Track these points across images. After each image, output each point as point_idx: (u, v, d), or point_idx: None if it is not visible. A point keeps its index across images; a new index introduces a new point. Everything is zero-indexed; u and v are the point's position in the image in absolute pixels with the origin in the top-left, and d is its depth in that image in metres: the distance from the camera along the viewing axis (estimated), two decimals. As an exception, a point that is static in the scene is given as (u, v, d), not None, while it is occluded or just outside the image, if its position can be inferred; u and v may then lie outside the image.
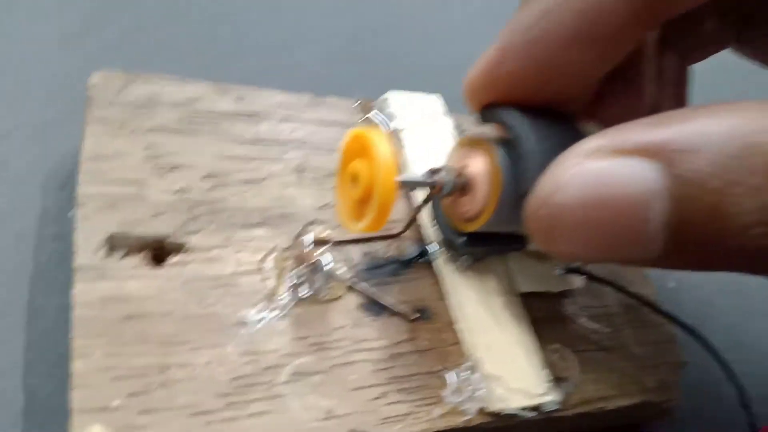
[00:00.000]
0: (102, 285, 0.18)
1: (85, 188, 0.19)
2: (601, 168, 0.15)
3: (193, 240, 0.20)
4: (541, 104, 0.20)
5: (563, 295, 0.25)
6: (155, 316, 0.18)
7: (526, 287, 0.24)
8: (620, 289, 0.24)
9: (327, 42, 0.36)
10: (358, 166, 0.19)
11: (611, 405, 0.23)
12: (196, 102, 0.23)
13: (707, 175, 0.14)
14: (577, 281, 0.25)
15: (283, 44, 0.34)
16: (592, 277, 0.24)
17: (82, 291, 0.18)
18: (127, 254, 0.19)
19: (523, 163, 0.19)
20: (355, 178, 0.19)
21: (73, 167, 0.25)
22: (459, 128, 0.27)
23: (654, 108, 0.23)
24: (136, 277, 0.18)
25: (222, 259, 0.20)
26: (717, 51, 0.24)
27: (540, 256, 0.24)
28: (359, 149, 0.19)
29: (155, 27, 0.31)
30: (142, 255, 0.19)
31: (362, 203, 0.19)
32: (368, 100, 0.27)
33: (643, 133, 0.15)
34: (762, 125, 0.14)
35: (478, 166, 0.21)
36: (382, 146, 0.18)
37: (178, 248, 0.20)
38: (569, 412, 0.22)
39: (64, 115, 0.26)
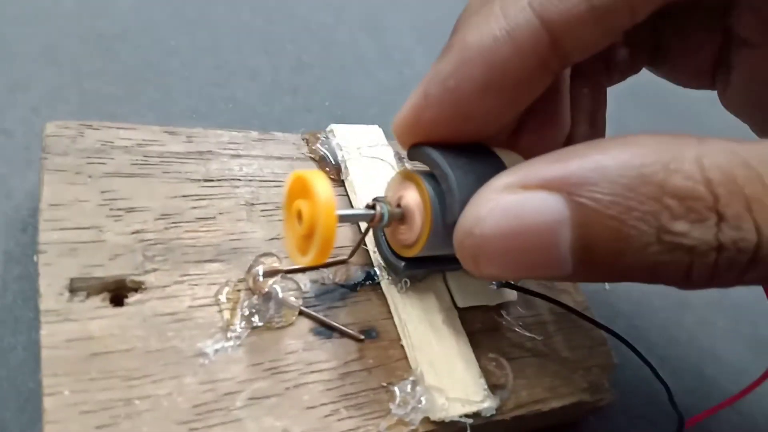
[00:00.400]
0: (67, 327, 0.19)
1: (45, 236, 0.21)
2: (512, 202, 0.18)
3: (151, 278, 0.21)
4: (462, 141, 0.22)
5: (499, 307, 0.27)
6: (118, 353, 0.19)
7: (465, 303, 0.26)
8: (550, 300, 0.27)
9: (263, 77, 0.38)
10: (301, 205, 0.21)
11: (545, 407, 0.25)
12: (148, 145, 0.25)
13: (607, 203, 0.16)
14: (511, 294, 0.27)
15: (218, 82, 0.36)
16: (523, 291, 0.26)
17: (49, 333, 0.19)
18: (88, 296, 0.20)
19: (447, 197, 0.21)
20: (299, 216, 0.21)
21: (32, 209, 0.26)
22: (398, 155, 0.29)
23: (570, 135, 0.26)
24: (99, 317, 0.20)
25: (178, 295, 0.21)
26: (633, 73, 0.27)
27: (476, 273, 0.26)
28: (301, 190, 0.21)
29: (95, 74, 0.32)
30: (102, 296, 0.21)
31: (307, 238, 0.21)
32: (312, 132, 0.29)
33: (547, 169, 0.17)
34: (650, 159, 0.16)
35: (411, 198, 0.23)
36: (321, 186, 0.20)
37: (136, 287, 0.21)
38: (506, 416, 0.24)
39: (17, 160, 0.27)
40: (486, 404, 0.23)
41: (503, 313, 0.27)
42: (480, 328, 0.26)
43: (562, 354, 0.27)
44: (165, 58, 0.35)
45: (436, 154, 0.22)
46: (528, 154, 0.24)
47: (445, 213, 0.21)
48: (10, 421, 0.21)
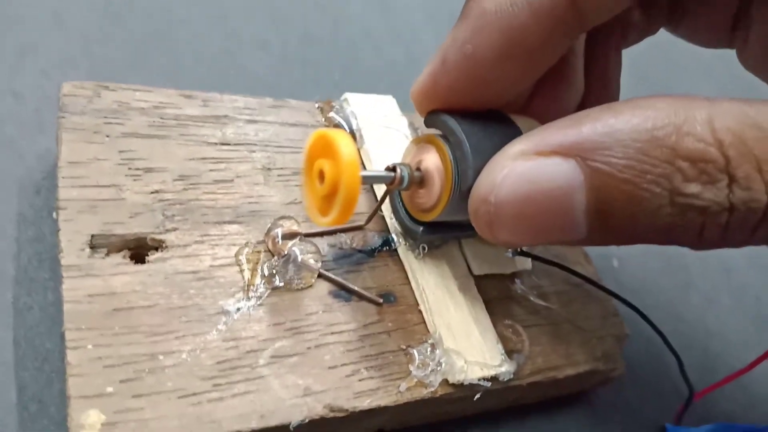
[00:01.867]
0: (89, 282, 0.19)
1: (65, 193, 0.20)
2: (527, 168, 0.18)
3: (171, 237, 0.21)
4: (479, 108, 0.22)
5: (514, 276, 0.27)
6: (141, 309, 0.19)
7: (480, 270, 0.26)
8: (565, 268, 0.27)
9: (273, 48, 0.37)
10: (323, 164, 0.20)
11: (561, 374, 0.25)
12: (164, 108, 0.24)
13: (621, 167, 0.16)
14: (526, 263, 0.27)
15: (228, 51, 0.36)
16: (539, 259, 0.26)
17: (71, 288, 0.19)
18: (108, 253, 0.20)
19: (461, 164, 0.21)
20: (320, 176, 0.21)
21: (44, 172, 0.26)
22: (412, 126, 0.29)
23: (584, 99, 0.25)
24: (120, 273, 0.20)
25: (199, 255, 0.21)
26: (651, 34, 0.26)
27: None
28: (323, 149, 0.21)
29: (103, 39, 0.32)
30: (122, 253, 0.20)
31: (328, 199, 0.21)
32: (327, 101, 0.29)
33: (561, 135, 0.17)
34: (662, 122, 0.16)
35: (431, 161, 0.23)
36: (345, 146, 0.20)
37: (157, 245, 0.21)
38: (523, 381, 0.24)
39: (28, 123, 0.27)
40: (504, 368, 0.23)
41: (518, 281, 0.27)
42: (496, 296, 0.26)
43: (576, 323, 0.27)
44: (174, 27, 0.35)
45: (451, 121, 0.22)
46: (541, 118, 0.24)
47: (460, 179, 0.21)
48: (29, 380, 0.21)
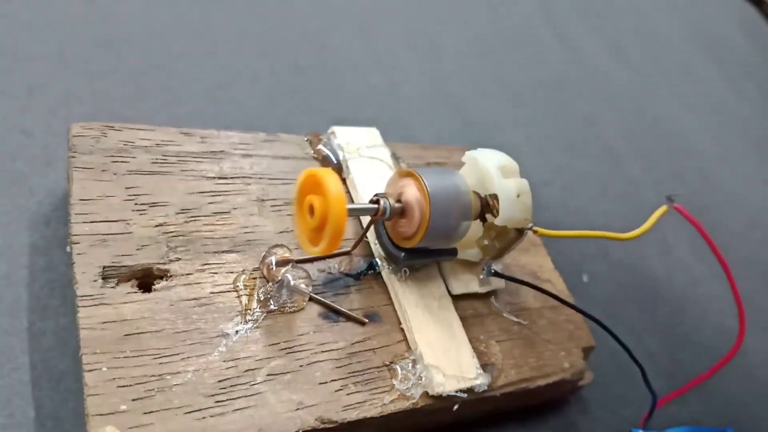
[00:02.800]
0: (102, 310, 0.21)
1: (78, 228, 0.23)
2: None
3: (175, 267, 0.23)
4: None
5: (488, 295, 0.29)
6: (149, 334, 0.21)
7: (458, 290, 0.28)
8: (535, 287, 0.29)
9: (263, 80, 0.40)
10: (313, 200, 0.23)
11: (532, 385, 0.28)
12: (166, 145, 0.27)
13: None
14: (500, 283, 0.29)
15: (222, 84, 0.38)
16: (511, 279, 0.29)
17: (86, 316, 0.21)
18: (119, 283, 0.22)
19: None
20: (311, 211, 0.23)
21: (53, 205, 0.28)
22: (395, 156, 0.32)
23: None
24: (130, 302, 0.22)
25: (200, 282, 0.23)
26: None
27: (468, 264, 0.29)
28: (313, 186, 0.23)
29: (105, 75, 0.34)
30: (131, 283, 0.23)
31: (318, 231, 0.23)
32: (315, 134, 0.31)
33: None
34: None
35: (411, 193, 0.25)
36: (332, 184, 0.22)
37: (162, 275, 0.23)
38: (497, 392, 0.26)
39: (38, 159, 0.29)
40: (479, 381, 0.25)
41: (492, 299, 0.29)
42: (472, 314, 0.28)
43: (545, 337, 0.30)
44: (171, 61, 0.37)
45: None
46: None
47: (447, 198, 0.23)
48: (45, 399, 0.23)
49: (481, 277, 0.29)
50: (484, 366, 0.26)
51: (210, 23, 0.41)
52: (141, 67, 0.36)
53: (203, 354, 0.22)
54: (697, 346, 0.42)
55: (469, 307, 0.28)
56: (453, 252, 0.27)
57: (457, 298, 0.28)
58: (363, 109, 0.42)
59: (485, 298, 0.29)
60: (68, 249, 0.22)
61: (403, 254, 0.26)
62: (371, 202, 0.25)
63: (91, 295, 0.21)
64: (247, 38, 0.42)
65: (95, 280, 0.22)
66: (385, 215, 0.25)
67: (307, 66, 0.43)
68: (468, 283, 0.28)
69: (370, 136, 0.32)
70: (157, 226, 0.24)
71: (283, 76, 0.41)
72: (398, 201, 0.25)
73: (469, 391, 0.25)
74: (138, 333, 0.21)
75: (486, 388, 0.26)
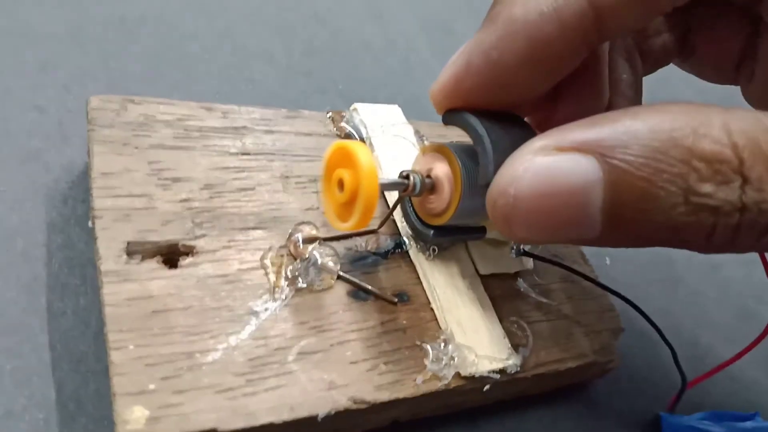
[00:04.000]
0: (127, 286, 0.20)
1: (100, 202, 0.22)
2: (547, 163, 0.18)
3: (201, 243, 0.23)
4: (496, 108, 0.23)
5: (517, 275, 0.29)
6: (177, 311, 0.21)
7: (486, 270, 0.27)
8: (564, 267, 0.28)
9: (278, 60, 0.39)
10: (342, 174, 0.22)
11: (562, 366, 0.27)
12: (187, 120, 0.26)
13: (637, 164, 0.17)
14: (528, 263, 0.29)
15: (236, 64, 0.37)
16: (540, 258, 0.28)
17: (111, 293, 0.20)
18: (143, 259, 0.21)
19: (482, 158, 0.22)
20: (340, 185, 0.22)
21: (70, 182, 0.27)
22: (418, 134, 0.31)
23: (608, 109, 0.27)
24: (156, 278, 0.21)
25: (227, 259, 0.23)
26: (664, 65, 0.28)
27: (496, 243, 0.28)
28: (342, 159, 0.22)
29: (119, 54, 0.33)
30: (156, 259, 0.22)
31: (348, 206, 0.22)
32: (338, 111, 0.30)
33: (581, 132, 0.18)
34: (680, 124, 0.17)
35: (441, 170, 0.24)
36: (364, 156, 0.21)
37: (188, 251, 0.22)
38: (528, 374, 0.26)
39: (53, 136, 0.28)
40: (511, 361, 0.25)
41: (521, 280, 0.29)
42: (500, 294, 0.27)
43: (575, 318, 0.29)
44: (184, 41, 0.36)
45: (472, 119, 0.23)
46: (567, 122, 0.26)
47: (479, 174, 0.22)
48: (66, 380, 0.22)
49: (511, 256, 0.28)
50: (515, 346, 0.26)
51: (223, 3, 0.40)
52: (155, 46, 0.35)
53: (233, 332, 0.21)
54: (718, 329, 0.41)
55: (497, 287, 0.28)
56: (482, 230, 0.26)
57: (485, 278, 0.27)
58: (379, 90, 0.41)
59: (513, 279, 0.29)
60: (90, 224, 0.22)
61: (432, 232, 0.25)
62: (400, 176, 0.24)
63: (116, 271, 0.21)
64: (260, 19, 0.41)
65: (120, 256, 0.21)
66: (414, 191, 0.24)
67: (322, 47, 0.42)
68: (496, 263, 0.28)
69: (393, 113, 0.31)
70: (181, 201, 0.23)
71: (298, 57, 0.40)
72: (428, 176, 0.24)
73: (502, 372, 0.24)
74: (165, 310, 0.21)
75: (518, 368, 0.25)
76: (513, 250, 0.28)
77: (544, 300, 0.29)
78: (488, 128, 0.23)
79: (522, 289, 0.28)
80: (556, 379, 0.28)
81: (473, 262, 0.27)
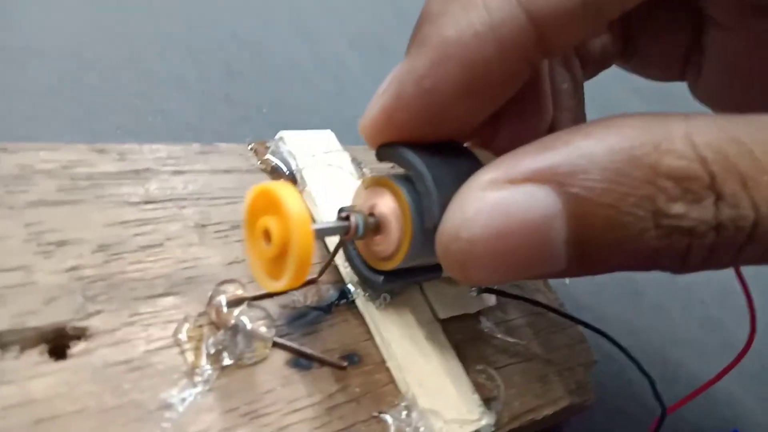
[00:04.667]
0: (2, 391, 0.16)
1: (-39, 283, 0.17)
2: (499, 199, 0.16)
3: (95, 322, 0.18)
4: (434, 140, 0.20)
5: (479, 313, 0.25)
6: (68, 416, 0.16)
7: (446, 313, 0.24)
8: (531, 302, 0.25)
9: (192, 86, 0.35)
10: (268, 222, 0.18)
11: (539, 415, 0.24)
12: (74, 167, 0.21)
13: (600, 191, 0.15)
14: (490, 299, 0.25)
15: (143, 94, 0.33)
16: (504, 294, 0.25)
17: (-23, 403, 0.15)
18: (23, 350, 0.17)
19: (425, 200, 0.19)
20: (266, 236, 0.18)
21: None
22: (355, 161, 0.27)
23: (552, 127, 0.24)
24: (39, 375, 0.16)
25: (131, 339, 0.18)
26: (605, 68, 0.26)
27: (452, 281, 0.25)
28: (266, 205, 0.18)
29: (1, 92, 0.28)
30: (39, 349, 0.17)
31: (278, 261, 0.18)
32: (261, 142, 0.26)
33: (532, 161, 0.16)
34: (639, 140, 0.15)
35: (386, 205, 0.21)
36: (291, 199, 0.17)
37: (79, 334, 0.18)
38: (504, 430, 0.22)
39: None
40: (484, 421, 0.21)
41: (483, 319, 0.25)
42: (462, 339, 0.24)
43: (546, 356, 0.26)
44: (81, 71, 0.31)
45: (410, 154, 0.20)
46: (510, 145, 0.23)
47: (424, 217, 0.19)
48: None
49: (471, 294, 0.25)
50: (486, 401, 0.22)
51: (126, 26, 0.36)
52: (45, 79, 0.30)
53: (142, 435, 0.17)
54: (685, 344, 0.39)
55: (458, 331, 0.24)
56: (438, 269, 0.23)
57: (444, 322, 0.24)
58: (309, 115, 0.38)
59: (474, 318, 0.25)
60: (-51, 313, 0.17)
61: (382, 278, 0.22)
62: (339, 218, 0.20)
63: (-16, 373, 0.16)
64: (170, 41, 0.36)
65: (-12, 352, 0.16)
66: (358, 233, 0.20)
67: (241, 70, 0.38)
68: (456, 304, 0.24)
69: (326, 139, 0.27)
70: (68, 270, 0.19)
71: (215, 82, 0.36)
72: (371, 215, 0.21)
73: (475, 435, 0.21)
74: (53, 416, 0.16)
75: (493, 429, 0.21)
76: (473, 288, 0.24)
77: (511, 339, 0.25)
78: (428, 163, 0.19)
79: (486, 330, 0.25)
80: (531, 429, 0.24)
81: (430, 306, 0.24)
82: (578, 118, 0.26)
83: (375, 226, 0.21)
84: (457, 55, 0.18)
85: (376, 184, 0.21)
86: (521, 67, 0.19)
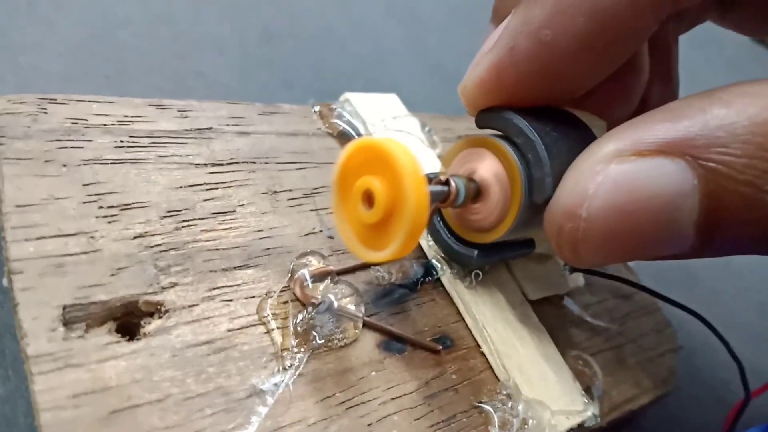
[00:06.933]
0: (70, 375, 0.13)
1: (17, 249, 0.15)
2: (625, 172, 0.14)
3: (171, 297, 0.16)
4: (542, 104, 0.18)
5: (561, 296, 0.23)
6: (148, 405, 0.14)
7: (536, 294, 0.22)
8: (625, 281, 0.23)
9: (230, 50, 0.32)
10: (370, 183, 0.16)
11: (635, 405, 0.22)
12: (133, 123, 0.19)
13: (740, 166, 0.13)
14: (579, 279, 0.23)
15: (179, 54, 0.30)
16: (596, 274, 0.23)
17: (46, 388, 0.13)
18: (88, 329, 0.14)
19: (536, 170, 0.17)
20: (368, 199, 0.16)
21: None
22: (424, 127, 0.25)
23: (645, 90, 0.22)
24: (111, 357, 0.14)
25: (212, 316, 0.16)
26: (699, 22, 0.23)
27: (539, 258, 0.22)
28: (369, 163, 0.16)
29: (31, 48, 0.26)
30: (107, 327, 0.15)
31: (380, 228, 0.16)
32: (326, 104, 0.24)
33: (662, 130, 0.14)
34: None
35: (488, 169, 0.18)
36: (405, 158, 0.15)
37: (153, 310, 0.15)
38: (603, 422, 0.20)
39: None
40: (589, 412, 0.19)
41: (569, 301, 0.23)
42: (553, 323, 0.22)
43: (636, 342, 0.24)
44: (113, 28, 0.29)
45: (519, 119, 0.17)
46: (606, 109, 0.21)
47: (533, 190, 0.17)
48: None
49: (563, 273, 0.22)
50: (587, 390, 0.20)
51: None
52: (78, 37, 0.27)
53: (234, 427, 0.14)
54: (740, 329, 0.37)
55: (549, 315, 0.22)
56: (531, 244, 0.21)
57: (533, 304, 0.22)
58: (353, 81, 0.35)
59: (560, 300, 0.23)
60: (5, 282, 0.14)
61: (476, 252, 0.19)
62: (436, 182, 0.18)
63: (51, 353, 0.14)
64: (205, 1, 0.34)
65: (54, 329, 0.14)
66: (458, 200, 0.18)
67: (279, 34, 0.35)
68: (546, 284, 0.22)
69: (391, 103, 0.25)
70: (135, 237, 0.16)
71: (254, 46, 0.33)
72: (471, 180, 0.18)
73: (581, 426, 0.19)
74: (131, 406, 0.14)
75: (599, 420, 0.19)
76: (566, 266, 0.22)
77: (602, 324, 0.23)
78: (538, 130, 0.17)
79: (575, 314, 0.23)
80: (626, 421, 0.22)
81: (519, 286, 0.21)
82: (672, 79, 0.23)
83: (476, 192, 0.18)
84: (581, 3, 0.16)
85: (473, 144, 0.19)
86: (650, 19, 0.17)
